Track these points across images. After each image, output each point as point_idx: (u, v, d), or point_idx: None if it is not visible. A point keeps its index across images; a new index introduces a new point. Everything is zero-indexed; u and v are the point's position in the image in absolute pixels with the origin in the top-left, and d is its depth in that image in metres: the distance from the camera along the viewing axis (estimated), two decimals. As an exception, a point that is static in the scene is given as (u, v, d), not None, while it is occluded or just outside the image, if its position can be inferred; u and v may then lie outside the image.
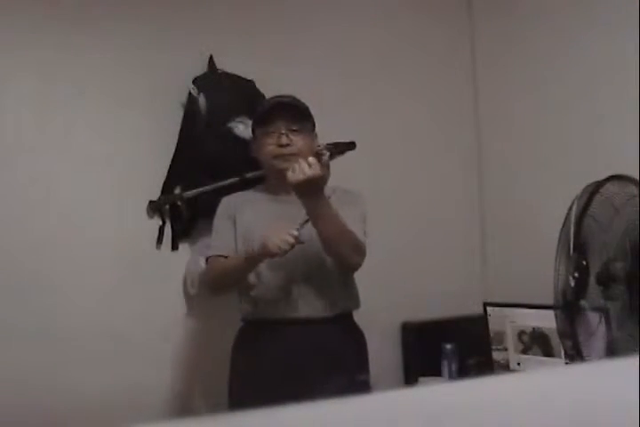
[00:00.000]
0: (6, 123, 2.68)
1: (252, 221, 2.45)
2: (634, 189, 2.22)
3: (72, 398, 2.63)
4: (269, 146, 2.41)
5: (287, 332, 2.36)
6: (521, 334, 2.86)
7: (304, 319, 2.35)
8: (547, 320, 2.51)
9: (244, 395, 2.35)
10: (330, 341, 2.36)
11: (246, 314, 2.48)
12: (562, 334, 2.44)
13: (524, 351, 2.86)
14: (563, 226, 2.31)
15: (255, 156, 2.53)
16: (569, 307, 2.34)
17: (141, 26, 2.84)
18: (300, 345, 2.33)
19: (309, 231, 2.32)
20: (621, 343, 2.32)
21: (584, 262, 2.29)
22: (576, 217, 2.29)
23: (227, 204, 2.53)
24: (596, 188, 2.29)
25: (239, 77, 2.91)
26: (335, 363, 2.34)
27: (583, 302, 2.32)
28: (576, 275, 2.28)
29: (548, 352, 2.74)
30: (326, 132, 2.54)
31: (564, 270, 2.31)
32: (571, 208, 2.31)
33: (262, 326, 2.41)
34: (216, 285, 2.53)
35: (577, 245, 2.31)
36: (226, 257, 2.44)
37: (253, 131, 2.54)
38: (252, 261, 2.33)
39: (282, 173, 2.27)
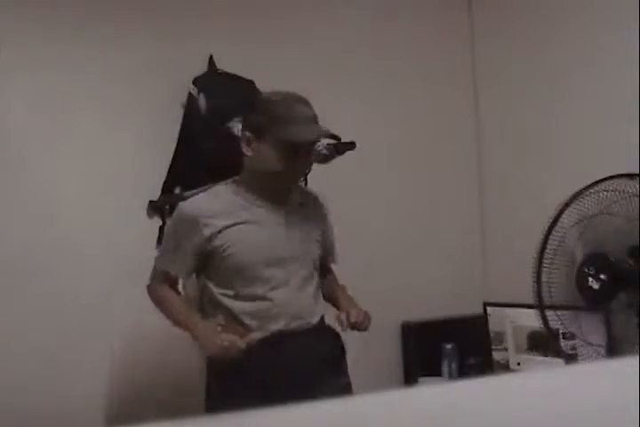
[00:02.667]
0: (7, 123, 2.68)
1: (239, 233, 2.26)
2: (635, 188, 2.22)
3: (71, 399, 2.63)
4: (284, 160, 2.21)
5: (271, 342, 2.22)
6: (521, 333, 2.86)
7: (288, 331, 2.24)
8: (550, 320, 2.50)
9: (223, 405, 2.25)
10: (313, 348, 2.27)
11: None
12: (563, 335, 2.44)
13: (524, 351, 2.86)
14: (552, 225, 2.30)
15: (253, 154, 2.25)
16: (595, 307, 2.33)
17: (141, 26, 2.84)
18: (284, 356, 2.22)
19: (302, 245, 2.29)
20: (621, 343, 2.32)
21: (611, 259, 2.26)
22: (585, 217, 2.28)
23: (196, 208, 2.28)
24: (590, 187, 2.29)
25: (239, 77, 2.91)
26: (319, 369, 2.27)
27: (614, 304, 2.30)
28: (602, 276, 2.25)
29: (548, 352, 2.74)
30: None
31: (573, 271, 2.29)
32: (564, 207, 2.31)
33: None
34: (159, 310, 2.35)
35: (593, 247, 2.29)
36: (174, 276, 2.31)
37: (262, 133, 2.23)
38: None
39: (278, 175, 2.22)
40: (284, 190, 2.30)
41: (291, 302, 2.26)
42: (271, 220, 2.27)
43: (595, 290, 2.27)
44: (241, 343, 2.14)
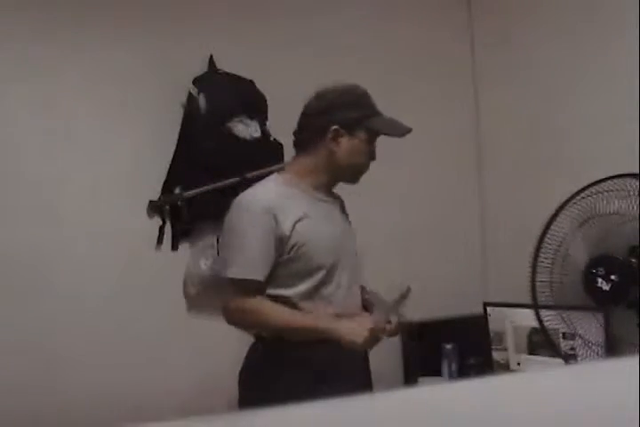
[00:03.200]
0: (7, 123, 2.68)
1: (311, 228, 2.12)
2: (635, 188, 2.21)
3: (71, 399, 2.63)
4: (367, 153, 2.23)
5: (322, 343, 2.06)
6: (521, 333, 2.86)
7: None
8: (547, 320, 2.50)
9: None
10: (352, 359, 2.16)
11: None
12: (563, 335, 2.44)
13: (524, 351, 2.86)
14: (549, 225, 2.29)
15: (338, 148, 2.17)
16: (600, 308, 2.31)
17: (141, 26, 2.84)
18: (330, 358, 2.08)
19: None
20: (621, 343, 2.31)
21: (620, 259, 2.24)
22: (586, 217, 2.27)
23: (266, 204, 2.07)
24: (590, 187, 2.28)
25: (239, 77, 2.91)
26: (354, 379, 2.16)
27: (623, 306, 2.28)
28: (613, 277, 2.24)
29: (547, 352, 2.74)
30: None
31: (576, 271, 2.28)
32: (563, 207, 2.30)
33: (287, 348, 2.09)
34: (248, 328, 2.14)
35: (597, 247, 2.28)
36: (261, 282, 2.06)
37: (354, 127, 2.19)
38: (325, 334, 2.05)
39: (356, 169, 2.19)
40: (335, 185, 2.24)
41: (345, 304, 2.17)
42: (331, 215, 2.20)
43: (605, 291, 2.26)
44: (388, 326, 2.11)
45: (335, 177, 2.21)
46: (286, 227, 2.06)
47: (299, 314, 2.07)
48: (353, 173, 2.22)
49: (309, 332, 2.05)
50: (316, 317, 2.07)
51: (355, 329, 2.04)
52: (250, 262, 2.05)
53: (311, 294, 2.11)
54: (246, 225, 2.06)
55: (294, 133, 2.24)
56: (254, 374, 2.15)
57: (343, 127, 2.16)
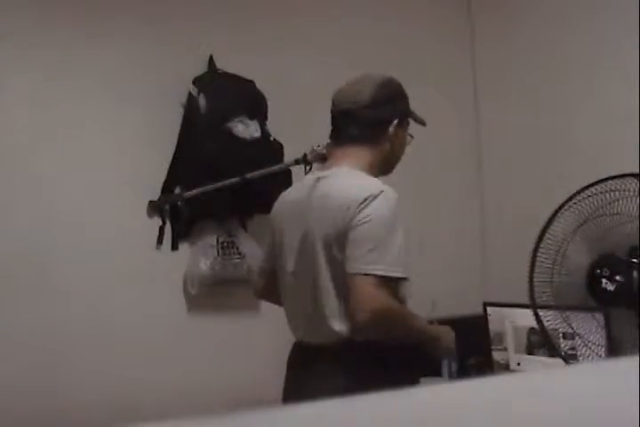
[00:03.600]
0: (7, 123, 2.68)
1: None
2: (635, 187, 2.21)
3: (71, 399, 2.63)
4: (406, 142, 2.21)
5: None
6: (521, 333, 2.86)
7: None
8: (547, 320, 2.50)
9: None
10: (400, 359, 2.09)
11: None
12: (563, 335, 2.44)
13: (524, 351, 2.86)
14: (548, 225, 2.29)
15: (391, 140, 2.12)
16: (606, 308, 2.31)
17: (141, 26, 2.84)
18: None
19: None
20: (621, 343, 2.31)
21: (625, 259, 2.24)
22: (586, 217, 2.27)
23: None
24: (590, 187, 2.28)
25: (239, 77, 2.92)
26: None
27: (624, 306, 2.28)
28: (618, 278, 2.23)
29: (548, 352, 2.74)
30: (325, 134, 2.53)
31: (577, 270, 2.28)
32: (562, 207, 2.30)
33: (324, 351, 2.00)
34: (385, 330, 1.95)
35: (599, 248, 2.28)
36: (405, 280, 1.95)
37: (405, 118, 2.18)
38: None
39: (396, 162, 2.18)
40: None
41: None
42: None
43: (609, 291, 2.25)
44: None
45: (381, 170, 2.17)
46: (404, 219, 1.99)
47: (418, 318, 2.04)
48: (394, 165, 2.21)
49: (419, 336, 2.04)
50: (424, 321, 2.07)
51: (451, 338, 2.12)
52: (398, 258, 1.88)
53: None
54: (393, 218, 1.94)
55: (340, 126, 2.13)
56: (296, 376, 2.10)
57: (401, 119, 2.13)
